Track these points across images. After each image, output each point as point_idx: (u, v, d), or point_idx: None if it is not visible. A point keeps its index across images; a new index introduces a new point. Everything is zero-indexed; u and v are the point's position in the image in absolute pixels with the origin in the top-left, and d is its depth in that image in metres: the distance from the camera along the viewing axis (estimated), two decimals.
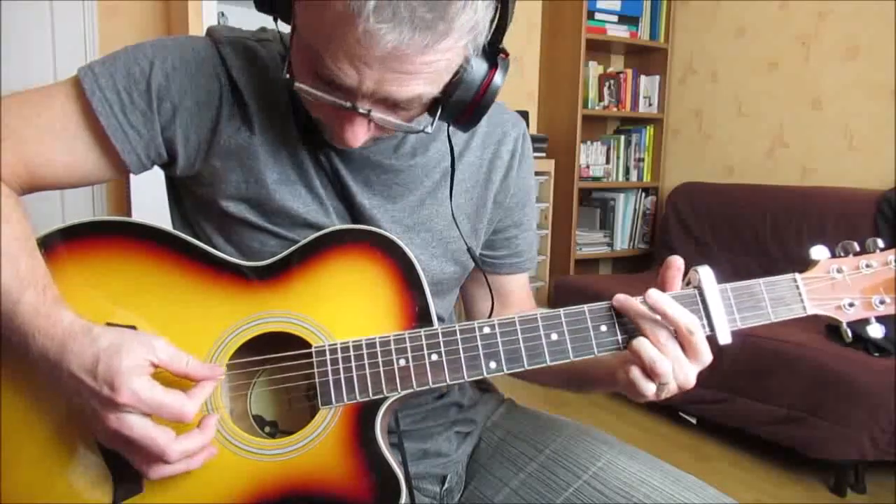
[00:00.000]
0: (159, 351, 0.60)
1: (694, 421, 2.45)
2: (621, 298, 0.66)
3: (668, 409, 2.52)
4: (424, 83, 0.58)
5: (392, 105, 0.60)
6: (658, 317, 0.64)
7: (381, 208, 0.75)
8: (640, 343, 0.64)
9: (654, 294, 0.65)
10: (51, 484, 0.64)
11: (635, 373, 0.64)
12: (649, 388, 0.64)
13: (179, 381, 0.61)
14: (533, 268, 0.93)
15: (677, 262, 0.67)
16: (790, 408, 2.04)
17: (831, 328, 2.17)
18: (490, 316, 0.90)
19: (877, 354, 1.98)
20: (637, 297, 0.66)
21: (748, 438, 2.25)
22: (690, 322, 0.63)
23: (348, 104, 0.59)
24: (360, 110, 0.59)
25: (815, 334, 2.13)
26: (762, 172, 3.08)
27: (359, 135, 0.62)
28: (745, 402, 2.17)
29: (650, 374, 0.64)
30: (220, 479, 0.65)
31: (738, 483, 2.07)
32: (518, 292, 0.91)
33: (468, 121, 0.65)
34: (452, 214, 0.76)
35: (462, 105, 0.62)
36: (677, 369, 0.64)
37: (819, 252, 0.70)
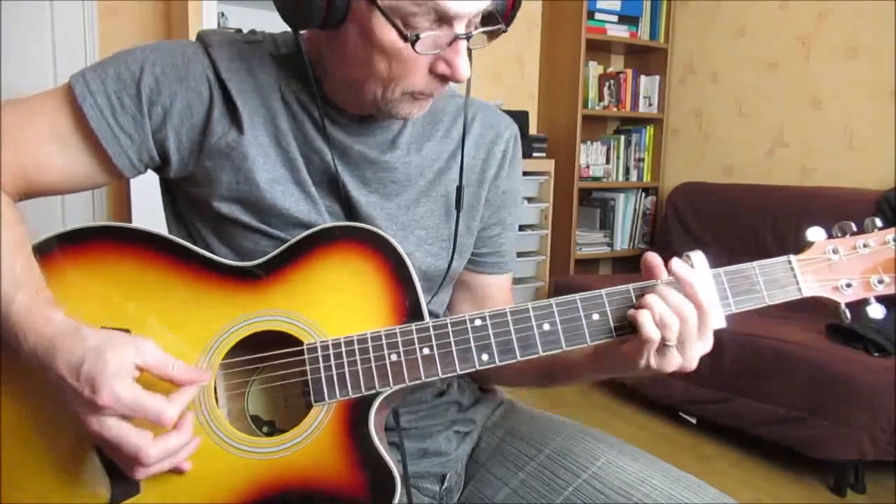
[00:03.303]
0: (146, 354, 0.60)
1: (694, 421, 2.45)
2: (651, 255, 0.67)
3: (668, 409, 2.52)
4: None
5: (473, 21, 0.65)
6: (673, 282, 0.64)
7: (376, 205, 0.75)
8: (652, 297, 0.64)
9: (679, 264, 0.65)
10: (49, 484, 0.64)
11: (644, 317, 0.63)
12: (654, 335, 0.63)
13: (165, 385, 0.61)
14: (514, 269, 0.92)
15: (653, 259, 0.67)
16: (790, 408, 2.04)
17: (832, 328, 2.17)
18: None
19: (877, 354, 1.98)
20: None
21: (748, 438, 2.25)
22: (711, 296, 0.64)
23: (462, 32, 0.63)
24: (469, 34, 0.63)
25: (815, 334, 2.13)
26: (762, 172, 3.08)
27: (467, 63, 0.65)
28: (745, 402, 2.17)
29: (659, 324, 0.63)
30: (216, 477, 0.65)
31: (738, 483, 2.07)
32: (499, 295, 0.90)
33: (511, 15, 0.69)
34: (460, 177, 0.76)
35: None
36: (684, 332, 0.64)
37: (815, 233, 0.68)
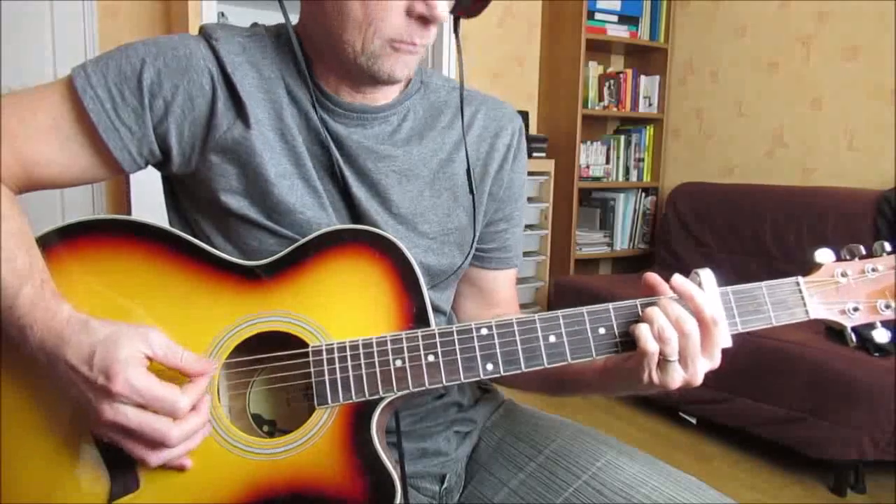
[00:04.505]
0: (154, 343, 0.60)
1: (694, 421, 2.45)
2: (650, 275, 0.67)
3: (668, 409, 2.52)
4: None
5: None
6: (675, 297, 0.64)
7: (377, 199, 0.75)
8: (653, 310, 0.64)
9: (680, 279, 0.65)
10: (48, 480, 0.64)
11: (642, 330, 0.63)
12: (652, 347, 0.63)
13: (174, 375, 0.61)
14: (519, 266, 0.92)
15: (653, 278, 0.67)
16: (790, 408, 2.04)
17: (831, 328, 2.16)
18: (470, 311, 0.90)
19: (877, 354, 1.98)
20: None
21: (748, 438, 2.25)
22: (716, 313, 0.64)
23: None
24: None
25: (815, 334, 2.13)
26: (762, 172, 3.08)
27: (445, 2, 0.66)
28: (745, 402, 2.17)
29: (657, 337, 0.63)
30: (216, 477, 0.65)
31: (738, 483, 2.07)
32: (503, 291, 0.90)
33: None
34: (467, 160, 0.75)
35: None
36: (686, 347, 0.63)
37: (823, 255, 0.68)
